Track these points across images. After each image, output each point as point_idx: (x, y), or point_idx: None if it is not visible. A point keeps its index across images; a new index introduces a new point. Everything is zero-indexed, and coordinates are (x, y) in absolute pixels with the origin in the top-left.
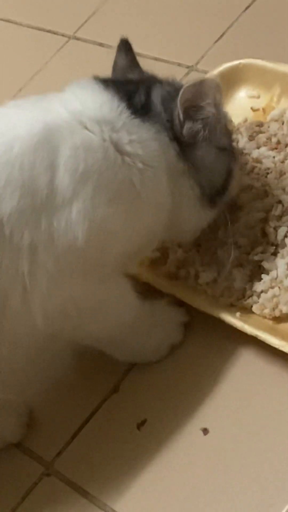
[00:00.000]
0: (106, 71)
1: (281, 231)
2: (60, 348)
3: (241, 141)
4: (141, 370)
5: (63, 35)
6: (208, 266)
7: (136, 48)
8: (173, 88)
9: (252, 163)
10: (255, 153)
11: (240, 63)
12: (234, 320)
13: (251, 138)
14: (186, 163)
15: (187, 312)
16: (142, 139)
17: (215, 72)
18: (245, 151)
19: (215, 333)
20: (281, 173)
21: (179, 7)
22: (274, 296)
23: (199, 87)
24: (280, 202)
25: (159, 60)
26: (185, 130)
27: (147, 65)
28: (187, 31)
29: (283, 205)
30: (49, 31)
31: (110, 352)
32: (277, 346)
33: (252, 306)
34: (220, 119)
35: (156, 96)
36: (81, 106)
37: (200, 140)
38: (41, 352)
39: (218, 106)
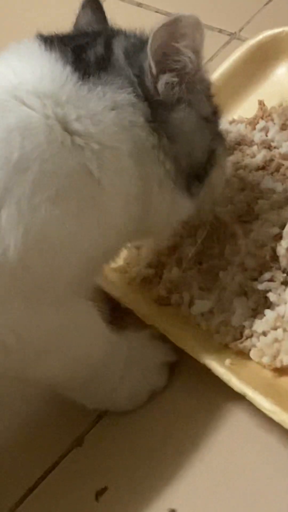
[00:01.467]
0: None
1: None
2: (20, 390)
3: (271, 130)
4: (112, 419)
5: None
6: (206, 292)
7: (174, 10)
8: (139, 40)
9: (279, 160)
10: (284, 147)
11: (283, 31)
12: (221, 369)
13: (283, 127)
14: (158, 132)
15: (174, 349)
16: (94, 112)
17: (252, 41)
18: (273, 144)
19: (206, 379)
20: None
21: None
22: (276, 340)
23: (175, 25)
24: None
25: None
26: (160, 85)
27: None
28: None
29: None
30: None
31: (73, 397)
32: (266, 412)
33: (250, 351)
34: (200, 73)
35: (118, 47)
36: (16, 77)
37: (177, 99)
38: None
39: (197, 52)
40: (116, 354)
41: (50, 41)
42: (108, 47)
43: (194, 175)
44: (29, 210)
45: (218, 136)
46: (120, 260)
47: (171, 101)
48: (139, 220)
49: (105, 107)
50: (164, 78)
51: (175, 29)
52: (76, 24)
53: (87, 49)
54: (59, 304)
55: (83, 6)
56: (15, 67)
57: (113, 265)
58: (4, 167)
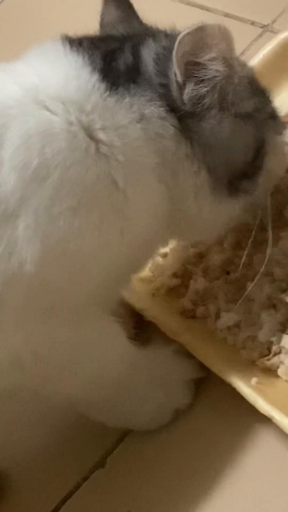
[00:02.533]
0: None
1: None
2: (41, 409)
3: None
4: (135, 440)
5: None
6: (233, 304)
7: (204, 1)
8: (171, 42)
9: None
10: None
11: None
12: (247, 390)
13: None
14: (189, 143)
15: (200, 365)
16: (119, 124)
17: (284, 34)
18: None
19: (233, 397)
20: None
21: None
22: None
23: (200, 35)
24: None
25: (230, 16)
26: (186, 95)
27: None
28: None
29: None
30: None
31: (96, 416)
32: None
33: (278, 368)
34: (234, 78)
35: (148, 54)
36: (39, 80)
37: (208, 108)
38: (17, 414)
39: (229, 61)
40: (139, 371)
41: (79, 43)
42: (137, 54)
43: (239, 176)
44: (48, 221)
45: (267, 122)
46: (144, 269)
47: (200, 110)
48: (171, 228)
49: (132, 120)
50: (190, 88)
51: (200, 38)
52: (101, 24)
53: (117, 55)
54: (77, 320)
55: (105, 2)
56: (38, 69)
57: (137, 274)
58: (22, 175)
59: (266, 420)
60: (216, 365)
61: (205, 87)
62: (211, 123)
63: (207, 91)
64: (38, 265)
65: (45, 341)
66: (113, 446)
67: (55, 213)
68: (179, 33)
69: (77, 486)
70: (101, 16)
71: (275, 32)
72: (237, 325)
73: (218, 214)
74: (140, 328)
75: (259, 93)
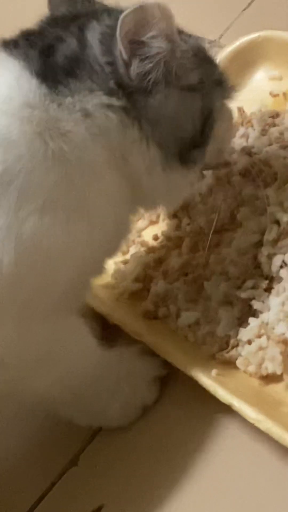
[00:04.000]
0: None
1: (276, 261)
2: (13, 410)
3: (252, 135)
4: (106, 437)
5: None
6: (193, 303)
7: None
8: (115, 20)
9: (260, 166)
10: (264, 153)
11: (259, 36)
12: (207, 381)
13: (263, 132)
14: (136, 122)
15: (163, 363)
16: (64, 131)
17: (230, 48)
18: (253, 150)
19: (197, 391)
20: (285, 181)
21: None
22: (260, 348)
23: (141, 13)
24: (276, 222)
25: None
26: (132, 72)
27: None
28: (210, 1)
29: (279, 226)
30: None
31: (67, 414)
32: (251, 421)
33: (236, 360)
34: (177, 52)
35: (93, 35)
36: None
37: (154, 83)
38: None
39: (170, 37)
40: (107, 370)
41: (14, 45)
42: (82, 38)
43: (189, 146)
44: (18, 223)
45: (213, 89)
46: (107, 276)
47: (147, 86)
48: (136, 206)
49: (75, 122)
50: (136, 65)
51: (141, 17)
52: (49, 7)
53: (57, 47)
54: (51, 319)
55: None
56: None
57: (100, 281)
58: None
59: (227, 409)
60: (178, 361)
61: (150, 63)
62: (158, 98)
63: (152, 67)
64: (13, 265)
65: (20, 339)
66: (85, 444)
67: (23, 215)
68: (122, 11)
69: (52, 485)
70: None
71: (222, 47)
72: (196, 323)
73: (175, 184)
74: (106, 331)
75: (205, 63)
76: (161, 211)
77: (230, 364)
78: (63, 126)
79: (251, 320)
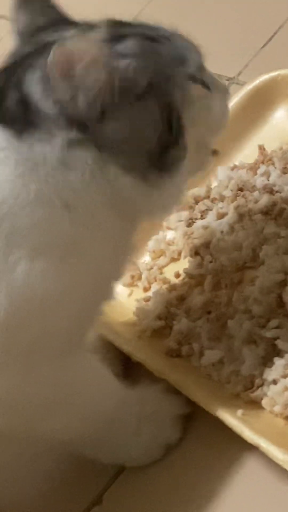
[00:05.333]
0: None
1: None
2: (34, 449)
3: (273, 174)
4: (129, 476)
5: None
6: (216, 342)
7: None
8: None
9: (281, 205)
10: (286, 191)
11: (279, 74)
12: (233, 421)
13: (284, 170)
14: (101, 150)
15: (187, 401)
16: (43, 173)
17: (249, 86)
18: (275, 188)
19: (221, 430)
20: None
21: (218, 13)
22: (286, 388)
23: (63, 53)
24: None
25: None
26: (79, 105)
27: None
28: (229, 39)
29: None
30: None
31: (89, 454)
32: (280, 463)
33: (262, 400)
34: (114, 74)
35: (31, 86)
36: None
37: (102, 110)
38: (12, 456)
39: (105, 64)
40: (128, 408)
41: None
42: (20, 88)
43: (160, 151)
44: (8, 270)
45: (171, 79)
46: (129, 314)
47: (96, 116)
48: (133, 229)
49: (53, 167)
50: (80, 99)
51: (66, 57)
52: (14, 33)
53: (6, 92)
54: (59, 360)
55: (17, 7)
56: None
57: (122, 318)
58: None
59: (251, 449)
60: (203, 400)
61: (91, 93)
62: (111, 124)
63: (95, 96)
64: (7, 312)
65: (30, 383)
66: (109, 483)
67: (12, 261)
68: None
69: None
70: (12, 26)
71: (241, 84)
72: (220, 361)
73: (169, 190)
74: (128, 369)
75: (155, 53)
76: (183, 249)
77: (255, 404)
78: (41, 170)
79: (276, 359)
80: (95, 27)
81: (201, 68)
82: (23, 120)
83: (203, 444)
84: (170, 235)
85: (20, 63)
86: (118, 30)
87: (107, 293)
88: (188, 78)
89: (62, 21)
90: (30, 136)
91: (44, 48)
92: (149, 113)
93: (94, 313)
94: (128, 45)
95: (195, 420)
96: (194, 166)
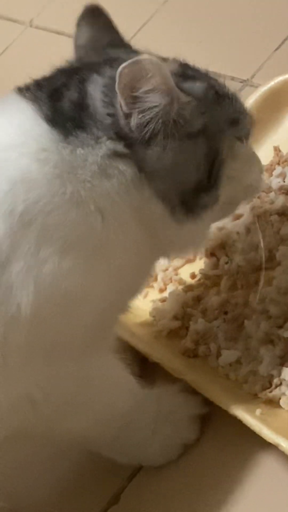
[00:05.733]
0: None
1: None
2: (52, 449)
3: None
4: (147, 475)
5: None
6: (233, 342)
7: (187, 59)
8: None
9: None
10: None
11: None
12: (252, 420)
13: None
14: (141, 171)
15: (204, 401)
16: (82, 178)
17: (264, 88)
18: None
19: (238, 429)
20: None
21: (232, 15)
22: None
23: (136, 68)
24: None
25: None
26: (132, 123)
27: None
28: (242, 41)
29: None
30: None
31: (107, 453)
32: None
33: (280, 399)
34: (174, 105)
35: (94, 89)
36: (4, 134)
37: (153, 135)
38: (30, 455)
39: (165, 91)
40: (146, 408)
41: (26, 90)
42: (82, 90)
43: (194, 193)
44: (37, 265)
45: (223, 130)
46: (146, 315)
47: (145, 137)
48: (156, 254)
49: (93, 174)
50: (135, 117)
51: (137, 71)
52: (75, 48)
53: (61, 93)
54: (80, 357)
55: (78, 24)
56: (1, 124)
57: (139, 319)
58: (9, 221)
59: (270, 448)
60: (220, 400)
61: (147, 116)
62: (156, 150)
63: (150, 120)
64: (33, 307)
65: (51, 379)
66: (126, 483)
67: (42, 256)
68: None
69: None
70: (74, 38)
71: (255, 86)
72: (238, 361)
73: (190, 233)
74: (145, 370)
75: (215, 105)
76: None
77: (273, 403)
78: (80, 174)
79: None
80: (167, 60)
81: (247, 135)
82: (74, 121)
83: (220, 444)
84: None
85: (84, 69)
86: (189, 70)
87: (123, 303)
88: (237, 138)
89: (126, 45)
90: (75, 139)
91: (113, 61)
92: (196, 154)
93: (112, 317)
94: (195, 86)
95: (212, 420)
96: (216, 217)
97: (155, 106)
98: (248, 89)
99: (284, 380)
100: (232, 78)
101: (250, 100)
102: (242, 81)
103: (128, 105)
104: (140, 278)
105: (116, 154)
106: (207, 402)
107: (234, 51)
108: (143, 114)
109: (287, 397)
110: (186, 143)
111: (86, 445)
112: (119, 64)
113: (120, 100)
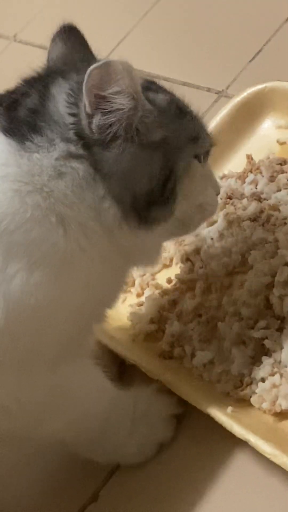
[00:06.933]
0: None
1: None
2: (30, 449)
3: (260, 182)
4: (124, 473)
5: None
6: (207, 343)
7: (163, 72)
8: (83, 78)
9: (269, 211)
10: (273, 199)
11: (266, 87)
12: (223, 417)
13: (271, 179)
14: (96, 173)
15: (179, 401)
16: (40, 184)
17: (238, 98)
18: (262, 196)
19: (212, 428)
20: None
21: (208, 30)
22: (274, 386)
23: (106, 69)
24: (287, 264)
25: (187, 85)
26: (93, 125)
27: (175, 90)
28: (217, 53)
29: None
30: None
31: (84, 453)
32: (267, 456)
33: (250, 397)
34: (139, 110)
35: (58, 91)
36: None
37: (113, 138)
38: (9, 456)
39: (132, 95)
40: (123, 409)
41: None
42: (45, 93)
43: (146, 204)
44: (5, 281)
45: (183, 147)
46: (124, 318)
47: (105, 139)
48: (123, 261)
49: (50, 177)
50: (98, 118)
51: (106, 72)
52: (47, 61)
53: (20, 102)
54: (53, 366)
55: (53, 39)
56: None
57: (116, 323)
58: None
59: (241, 445)
60: (194, 399)
61: (111, 118)
62: (114, 152)
63: (113, 122)
64: (3, 321)
65: (24, 389)
66: (104, 481)
67: (10, 273)
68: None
69: None
70: (48, 52)
71: (229, 97)
72: (211, 362)
73: (143, 243)
74: (123, 372)
75: (173, 121)
76: (174, 256)
77: (245, 401)
78: (37, 180)
79: (264, 359)
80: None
81: (206, 155)
82: (29, 125)
83: (195, 442)
84: None
85: (50, 75)
86: (154, 85)
87: (97, 314)
88: (194, 156)
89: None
90: (31, 144)
91: (80, 69)
92: (150, 164)
93: (88, 325)
94: (159, 98)
95: (187, 419)
96: (171, 234)
97: (120, 109)
98: (224, 100)
99: (255, 378)
100: (208, 89)
101: (224, 110)
102: (218, 92)
103: (92, 105)
104: (112, 287)
105: (70, 155)
106: (182, 402)
107: (209, 64)
108: (107, 116)
109: (258, 395)
110: (143, 152)
111: (64, 446)
112: (85, 71)
113: (84, 100)
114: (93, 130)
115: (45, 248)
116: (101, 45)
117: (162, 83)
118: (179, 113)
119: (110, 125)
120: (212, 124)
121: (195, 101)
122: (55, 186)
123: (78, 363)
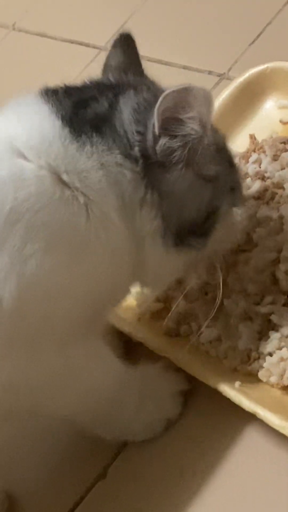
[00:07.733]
0: None
1: None
2: (40, 427)
3: (264, 161)
4: (133, 450)
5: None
6: (213, 321)
7: (164, 57)
8: (153, 95)
9: (273, 189)
10: (277, 177)
11: (267, 68)
12: (232, 392)
13: (275, 157)
14: (149, 189)
15: (186, 378)
16: (80, 169)
17: (240, 79)
18: (266, 174)
19: (220, 403)
20: None
21: (208, 13)
22: (282, 359)
23: (184, 94)
24: None
25: (188, 68)
26: (159, 146)
27: (176, 74)
28: (219, 36)
29: None
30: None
31: (93, 430)
32: (276, 428)
33: (258, 372)
34: (205, 140)
35: (126, 104)
36: (13, 129)
37: (176, 161)
38: (17, 434)
39: (204, 124)
40: (130, 386)
41: (52, 93)
42: (114, 103)
43: (187, 231)
44: (21, 261)
45: (225, 192)
46: (130, 297)
47: (169, 162)
48: (133, 269)
49: (92, 166)
50: (164, 141)
51: (184, 98)
52: (105, 66)
53: (89, 103)
54: (62, 345)
55: (114, 46)
56: (12, 119)
57: (124, 302)
58: None
59: (250, 419)
60: (202, 375)
61: (178, 142)
62: (175, 175)
63: (179, 146)
64: (15, 300)
65: (33, 367)
66: (113, 458)
67: (27, 253)
68: (161, 88)
69: (82, 498)
70: (106, 58)
71: (231, 79)
72: (218, 339)
73: (166, 264)
74: (129, 349)
75: (225, 163)
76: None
77: (252, 376)
78: (80, 165)
79: (271, 333)
80: None
81: (240, 190)
82: (92, 125)
83: (203, 418)
84: None
85: (121, 85)
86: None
87: (112, 299)
88: (231, 203)
89: (146, 77)
90: (87, 138)
91: (150, 85)
92: (202, 196)
93: (100, 310)
94: (218, 136)
95: (194, 396)
96: (194, 262)
97: (190, 134)
98: (225, 83)
99: (262, 353)
100: (210, 72)
101: (227, 91)
102: (219, 75)
103: (161, 128)
104: (118, 288)
105: (122, 166)
106: (189, 378)
107: (211, 47)
108: (175, 139)
109: (265, 369)
110: (198, 181)
111: (73, 423)
112: (157, 89)
113: (154, 121)
114: (157, 152)
115: (66, 232)
116: (102, 30)
117: (163, 67)
118: (229, 159)
119: (175, 150)
120: (215, 106)
121: (197, 84)
122: (92, 175)
123: (88, 342)
